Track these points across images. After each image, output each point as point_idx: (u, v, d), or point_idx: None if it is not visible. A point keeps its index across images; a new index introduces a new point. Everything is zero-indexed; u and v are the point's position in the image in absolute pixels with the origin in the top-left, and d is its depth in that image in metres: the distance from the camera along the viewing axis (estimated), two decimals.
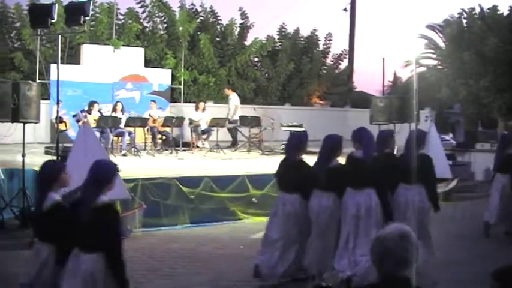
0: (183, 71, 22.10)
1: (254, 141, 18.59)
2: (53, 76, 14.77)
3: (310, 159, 8.38)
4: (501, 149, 11.68)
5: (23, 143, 11.58)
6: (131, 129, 16.42)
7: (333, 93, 28.18)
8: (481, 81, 22.87)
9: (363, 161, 7.81)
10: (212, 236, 11.14)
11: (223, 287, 8.09)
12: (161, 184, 11.79)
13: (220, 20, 25.02)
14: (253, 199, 12.70)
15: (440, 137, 11.52)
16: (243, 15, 25.47)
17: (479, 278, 4.26)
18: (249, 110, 19.53)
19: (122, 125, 16.16)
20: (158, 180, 11.81)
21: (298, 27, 27.31)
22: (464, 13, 25.27)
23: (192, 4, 24.04)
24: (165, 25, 23.53)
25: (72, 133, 15.99)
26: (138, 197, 11.22)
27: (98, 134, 14.14)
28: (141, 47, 21.69)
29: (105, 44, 20.43)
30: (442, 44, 27.24)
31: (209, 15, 24.83)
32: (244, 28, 25.36)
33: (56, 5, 11.72)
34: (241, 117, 18.47)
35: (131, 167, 12.62)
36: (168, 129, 17.49)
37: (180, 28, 22.43)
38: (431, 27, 27.98)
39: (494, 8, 24.54)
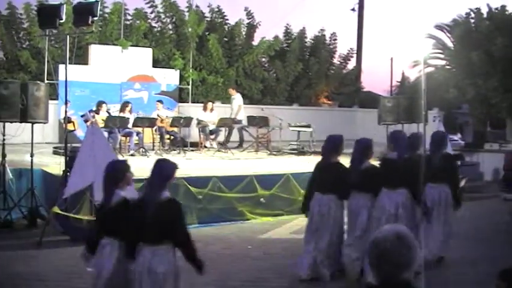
0: (191, 71, 22.11)
1: (262, 142, 18.59)
2: (61, 76, 14.81)
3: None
4: None
5: (32, 143, 11.63)
6: (139, 129, 16.46)
7: (340, 93, 28.16)
8: (489, 81, 22.76)
9: (396, 162, 8.19)
10: (220, 236, 11.14)
11: (231, 287, 8.09)
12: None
13: (228, 20, 25.08)
14: (261, 199, 12.71)
15: (448, 138, 11.49)
16: (249, 15, 25.48)
17: (488, 278, 4.25)
18: (257, 110, 19.53)
19: (130, 125, 16.19)
20: None
21: (304, 27, 27.37)
22: (472, 13, 25.18)
23: (197, 6, 24.03)
24: (174, 25, 23.54)
25: (80, 133, 16.04)
26: None
27: (106, 134, 14.16)
28: (149, 46, 21.74)
29: (113, 44, 20.47)
30: (450, 44, 27.09)
31: (217, 15, 24.84)
32: (251, 28, 25.36)
33: (64, 5, 11.78)
34: (249, 117, 18.47)
35: (139, 167, 12.60)
36: (176, 129, 17.53)
37: (189, 29, 22.41)
38: (439, 27, 27.81)
39: (502, 8, 24.44)
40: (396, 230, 3.18)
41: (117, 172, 5.86)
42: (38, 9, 13.55)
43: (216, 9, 24.83)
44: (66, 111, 11.59)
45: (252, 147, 18.39)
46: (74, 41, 14.58)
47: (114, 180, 5.78)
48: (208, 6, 24.73)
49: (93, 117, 15.20)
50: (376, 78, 62.62)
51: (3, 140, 11.53)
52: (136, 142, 16.53)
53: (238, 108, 19.39)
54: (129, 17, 22.56)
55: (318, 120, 20.35)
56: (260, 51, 24.63)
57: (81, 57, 18.91)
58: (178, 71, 21.53)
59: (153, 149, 16.74)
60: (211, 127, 18.25)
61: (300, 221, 12.37)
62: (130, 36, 21.42)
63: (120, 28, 21.10)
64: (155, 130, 17.23)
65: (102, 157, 9.98)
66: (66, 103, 11.53)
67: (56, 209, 10.19)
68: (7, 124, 11.59)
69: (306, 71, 26.43)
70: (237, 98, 19.86)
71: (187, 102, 21.91)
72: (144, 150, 16.02)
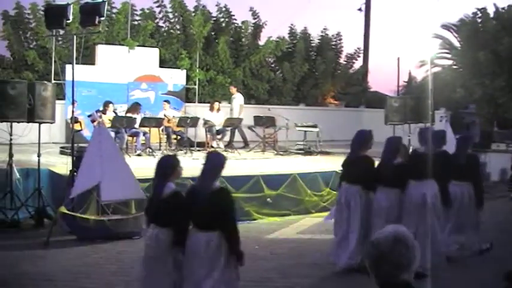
0: (197, 71, 22.12)
1: (269, 142, 18.58)
2: (68, 76, 14.85)
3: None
4: None
5: (39, 143, 11.64)
6: (146, 129, 16.47)
7: (347, 93, 28.13)
8: (496, 81, 22.74)
9: (424, 155, 8.59)
10: None
11: None
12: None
13: (235, 19, 25.09)
14: (268, 199, 12.69)
15: (455, 138, 11.46)
16: (254, 15, 25.48)
17: (495, 279, 4.24)
18: (263, 111, 19.53)
19: (136, 125, 16.20)
20: None
21: (305, 27, 27.42)
22: (479, 13, 25.15)
23: (204, 6, 24.03)
24: (182, 25, 23.55)
25: (87, 133, 16.09)
26: None
27: (112, 134, 14.20)
28: (156, 46, 21.76)
29: (120, 44, 20.50)
30: (457, 44, 27.05)
31: (224, 15, 24.85)
32: (257, 28, 25.36)
33: (71, 5, 11.77)
34: (255, 117, 18.45)
35: (146, 167, 12.63)
36: (182, 129, 17.53)
37: (196, 30, 22.40)
38: (446, 27, 27.76)
39: (509, 8, 24.40)
40: (396, 231, 3.15)
41: (169, 166, 6.24)
42: (45, 9, 13.57)
43: (224, 9, 24.84)
44: (73, 111, 11.61)
45: (258, 147, 18.39)
46: (81, 41, 14.61)
47: (166, 174, 6.16)
48: (217, 5, 24.76)
49: (100, 117, 15.22)
50: (382, 78, 62.38)
51: (11, 140, 11.55)
52: (143, 142, 16.54)
53: (240, 107, 19.38)
54: (136, 17, 22.62)
55: (324, 120, 20.32)
56: (267, 51, 24.63)
57: (88, 57, 18.95)
58: (185, 71, 21.55)
59: (159, 149, 16.76)
60: (218, 127, 18.25)
61: (307, 221, 12.41)
62: (137, 36, 21.45)
63: (127, 28, 21.14)
64: (162, 130, 17.25)
65: (109, 157, 10.03)
66: (73, 103, 11.56)
67: (63, 209, 10.20)
68: (14, 124, 11.60)
69: (312, 71, 26.44)
70: (237, 97, 19.85)
71: (194, 102, 21.90)
72: (150, 150, 16.03)
